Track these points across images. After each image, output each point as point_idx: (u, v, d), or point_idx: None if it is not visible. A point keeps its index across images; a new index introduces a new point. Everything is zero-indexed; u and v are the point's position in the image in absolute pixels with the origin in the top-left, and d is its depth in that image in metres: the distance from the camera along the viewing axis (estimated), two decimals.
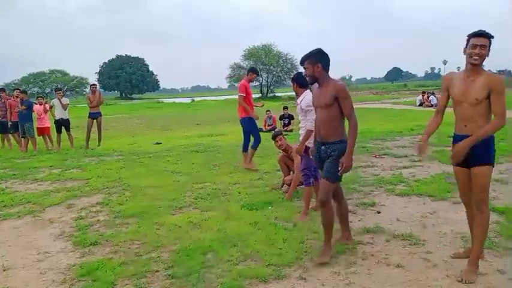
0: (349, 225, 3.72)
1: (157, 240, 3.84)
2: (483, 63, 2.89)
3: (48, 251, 3.75)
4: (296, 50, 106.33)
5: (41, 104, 10.64)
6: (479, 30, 2.87)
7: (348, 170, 3.22)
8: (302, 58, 3.34)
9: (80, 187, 6.17)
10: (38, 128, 10.59)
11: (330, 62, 3.32)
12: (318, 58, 3.26)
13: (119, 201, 5.28)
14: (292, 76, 4.74)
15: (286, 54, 49.33)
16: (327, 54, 3.31)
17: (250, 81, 7.36)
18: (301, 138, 4.39)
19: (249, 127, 7.10)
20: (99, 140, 10.84)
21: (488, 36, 2.84)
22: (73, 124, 11.30)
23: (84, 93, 66.52)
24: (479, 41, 2.82)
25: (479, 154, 2.90)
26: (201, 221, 4.30)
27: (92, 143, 10.59)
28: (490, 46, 2.86)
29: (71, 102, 12.19)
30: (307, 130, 4.29)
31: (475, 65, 2.86)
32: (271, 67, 47.11)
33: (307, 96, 4.39)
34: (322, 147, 3.34)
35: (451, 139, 3.14)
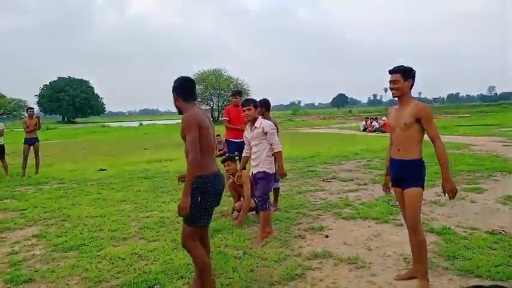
0: (299, 250, 3.74)
1: (98, 274, 3.62)
2: (410, 93, 3.17)
3: None
4: (244, 76, 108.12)
5: None
6: (392, 68, 3.19)
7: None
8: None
9: (13, 218, 5.71)
10: None
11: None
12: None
13: (57, 233, 4.94)
14: (253, 100, 4.65)
15: (237, 79, 49.97)
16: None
17: (235, 104, 7.25)
18: (266, 163, 4.45)
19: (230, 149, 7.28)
20: (37, 167, 10.15)
21: (398, 71, 3.14)
22: (8, 150, 10.55)
23: (23, 117, 62.78)
24: (391, 77, 3.18)
25: (410, 177, 3.13)
26: (146, 252, 4.13)
27: (29, 170, 9.91)
28: (408, 77, 3.14)
29: (7, 126, 11.39)
30: (276, 152, 4.44)
31: (398, 97, 3.18)
32: (222, 91, 47.38)
33: (264, 120, 4.59)
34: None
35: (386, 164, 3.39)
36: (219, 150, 13.49)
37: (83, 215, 5.71)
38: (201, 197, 2.87)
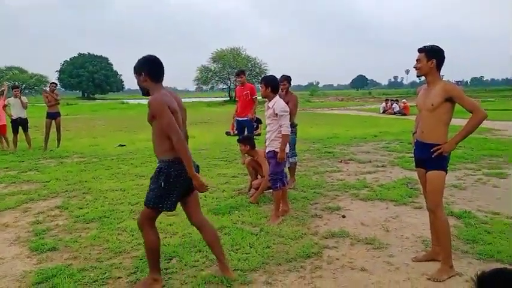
0: (315, 229, 3.74)
1: (119, 245, 3.72)
2: (437, 73, 3.09)
3: (2, 257, 3.54)
4: (262, 56, 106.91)
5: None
6: (421, 47, 3.13)
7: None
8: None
9: (37, 190, 5.89)
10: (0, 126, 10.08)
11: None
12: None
13: (79, 205, 5.08)
14: (264, 78, 4.65)
15: (255, 59, 49.55)
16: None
17: (241, 83, 7.69)
18: (275, 143, 4.38)
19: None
20: (59, 141, 10.38)
21: (423, 50, 3.09)
22: (31, 124, 10.78)
23: (44, 90, 63.78)
24: (417, 56, 3.13)
25: (434, 160, 3.08)
26: (165, 225, 4.21)
27: (51, 144, 10.14)
28: (431, 57, 3.06)
29: (30, 101, 11.62)
30: (283, 135, 4.32)
31: (425, 76, 3.13)
32: None
33: (280, 101, 4.43)
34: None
35: (411, 145, 3.32)
36: (236, 129, 13.49)
37: (104, 189, 5.84)
38: (164, 182, 2.75)
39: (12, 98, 9.99)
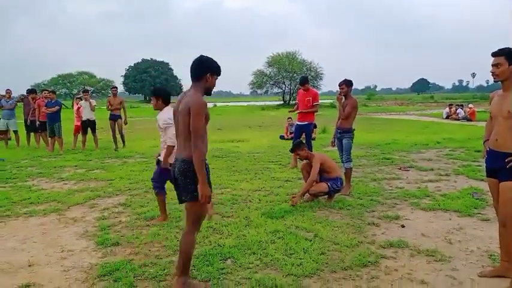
0: (372, 238, 3.63)
1: (177, 243, 3.83)
2: None
3: (72, 249, 3.81)
4: (318, 60, 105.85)
5: (77, 104, 11.14)
6: (496, 50, 2.97)
7: None
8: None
9: (103, 187, 6.28)
10: (75, 126, 11.10)
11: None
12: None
13: (140, 203, 5.34)
14: (154, 89, 4.70)
15: (311, 63, 49.14)
16: None
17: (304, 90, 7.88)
18: (163, 153, 4.39)
19: None
20: (123, 141, 11.05)
21: (502, 54, 2.92)
22: (98, 125, 11.53)
23: (110, 95, 68.01)
24: (494, 60, 2.96)
25: (507, 170, 2.89)
26: (221, 226, 4.30)
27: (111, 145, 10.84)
28: None
29: (97, 103, 12.48)
30: (168, 146, 4.29)
31: (501, 82, 2.97)
32: (295, 74, 46.94)
33: (162, 114, 4.42)
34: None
35: (478, 153, 3.12)
36: (290, 133, 13.48)
37: None
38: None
39: (84, 101, 10.77)
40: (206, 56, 2.90)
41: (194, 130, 2.70)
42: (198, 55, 2.91)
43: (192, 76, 2.86)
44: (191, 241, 2.91)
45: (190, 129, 2.71)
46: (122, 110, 10.93)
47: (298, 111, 7.87)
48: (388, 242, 3.83)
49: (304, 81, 7.90)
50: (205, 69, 2.85)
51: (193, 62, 2.87)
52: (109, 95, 11.51)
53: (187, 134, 2.75)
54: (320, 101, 7.75)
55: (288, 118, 13.75)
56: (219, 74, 2.95)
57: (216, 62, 2.93)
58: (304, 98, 7.71)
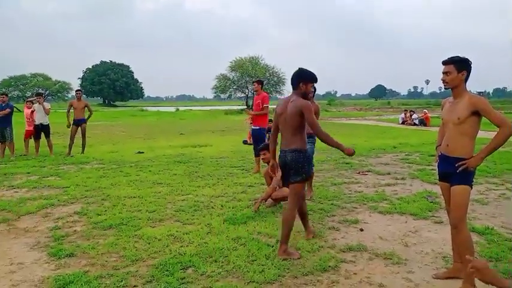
0: (332, 242, 3.69)
1: (135, 253, 3.73)
2: (464, 86, 3.04)
3: (22, 262, 3.60)
4: (281, 64, 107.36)
5: (29, 108, 10.48)
6: (446, 59, 3.06)
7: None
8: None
9: (57, 195, 6.00)
10: (26, 131, 10.51)
11: None
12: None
13: (97, 211, 5.14)
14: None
15: (273, 67, 49.68)
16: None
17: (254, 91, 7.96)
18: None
19: None
20: (83, 147, 10.59)
21: (451, 62, 3.02)
22: (53, 130, 11.04)
23: (66, 98, 65.46)
24: (444, 68, 3.06)
25: (459, 174, 3.01)
26: (181, 234, 4.21)
27: (74, 150, 10.35)
28: (462, 68, 3.01)
29: (53, 107, 11.94)
30: None
31: (451, 89, 3.07)
32: None
33: None
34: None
35: (432, 158, 3.26)
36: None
37: (122, 195, 5.91)
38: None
39: (37, 104, 10.26)
40: (300, 68, 3.69)
41: (312, 124, 3.54)
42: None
43: (291, 85, 3.70)
44: (294, 216, 3.68)
45: (308, 124, 3.55)
46: (88, 113, 10.59)
47: (248, 114, 7.87)
48: (348, 246, 3.90)
49: (254, 81, 7.88)
50: (298, 80, 3.63)
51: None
52: (66, 98, 11.08)
53: (296, 129, 3.60)
54: (267, 105, 7.58)
55: (251, 123, 13.78)
56: (313, 81, 3.71)
57: (307, 72, 3.68)
58: (256, 101, 7.76)
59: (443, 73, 3.07)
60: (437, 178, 3.32)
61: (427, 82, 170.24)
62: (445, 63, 3.07)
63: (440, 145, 3.31)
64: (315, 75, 3.71)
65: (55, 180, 7.19)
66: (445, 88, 3.11)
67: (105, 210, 5.16)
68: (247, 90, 48.64)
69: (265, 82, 49.84)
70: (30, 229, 4.51)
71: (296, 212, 3.74)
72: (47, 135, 10.27)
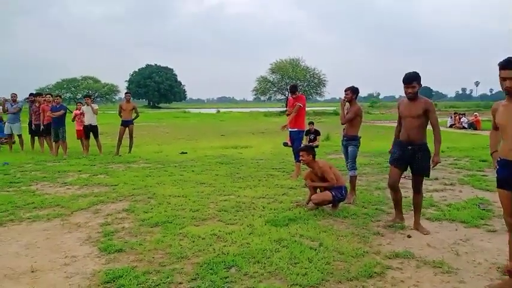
0: (377, 248, 3.58)
1: (180, 251, 3.82)
2: None
3: (75, 255, 3.79)
4: (320, 66, 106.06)
5: (79, 109, 11.15)
6: (507, 60, 2.80)
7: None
8: (411, 77, 4.21)
9: (106, 193, 6.27)
10: (77, 131, 11.20)
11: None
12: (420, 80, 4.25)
13: (144, 209, 5.32)
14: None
15: (314, 69, 49.29)
16: None
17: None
18: None
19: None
20: (130, 147, 11.03)
21: None
22: (101, 130, 11.56)
23: (114, 100, 68.27)
24: (506, 74, 2.80)
25: None
26: (224, 234, 4.27)
27: (122, 150, 10.79)
28: None
29: (100, 108, 12.52)
30: None
31: (508, 93, 2.88)
32: (298, 81, 47.07)
33: None
34: (409, 147, 4.37)
35: (483, 163, 3.08)
36: None
37: (167, 194, 6.08)
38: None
39: (85, 106, 10.78)
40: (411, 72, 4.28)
41: (436, 121, 4.39)
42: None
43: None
44: (422, 197, 4.55)
45: (431, 121, 4.34)
46: (135, 115, 11.07)
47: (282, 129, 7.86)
48: (394, 252, 3.79)
49: (293, 89, 7.76)
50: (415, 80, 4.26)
51: None
52: (114, 100, 11.59)
53: (421, 125, 4.34)
54: (300, 104, 7.44)
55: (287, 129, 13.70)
56: (404, 83, 4.25)
57: (405, 75, 4.27)
58: (293, 104, 7.66)
59: (506, 79, 2.81)
60: (497, 185, 3.12)
61: (477, 84, 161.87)
62: (506, 67, 2.79)
63: (495, 151, 3.13)
64: (405, 76, 4.25)
65: (104, 178, 7.51)
66: (506, 94, 2.89)
67: (152, 208, 5.33)
68: (287, 92, 48.49)
69: (305, 84, 49.63)
70: (82, 224, 4.74)
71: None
72: (96, 136, 10.76)
